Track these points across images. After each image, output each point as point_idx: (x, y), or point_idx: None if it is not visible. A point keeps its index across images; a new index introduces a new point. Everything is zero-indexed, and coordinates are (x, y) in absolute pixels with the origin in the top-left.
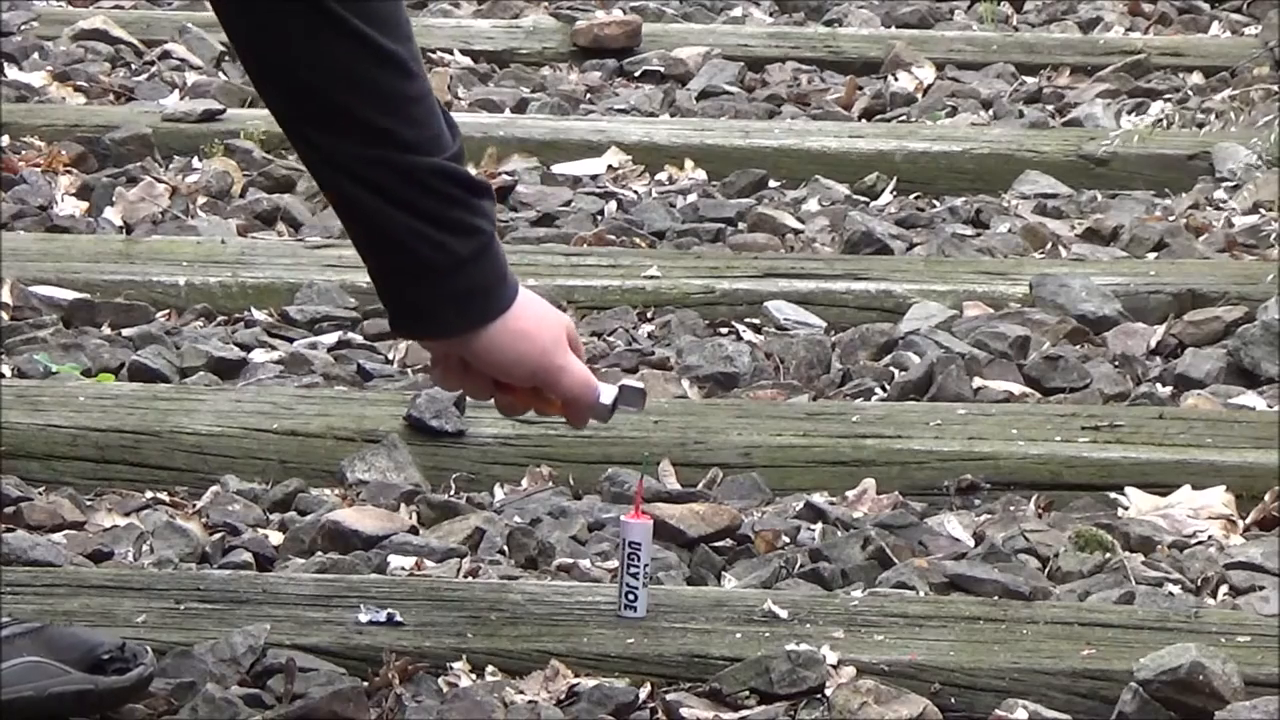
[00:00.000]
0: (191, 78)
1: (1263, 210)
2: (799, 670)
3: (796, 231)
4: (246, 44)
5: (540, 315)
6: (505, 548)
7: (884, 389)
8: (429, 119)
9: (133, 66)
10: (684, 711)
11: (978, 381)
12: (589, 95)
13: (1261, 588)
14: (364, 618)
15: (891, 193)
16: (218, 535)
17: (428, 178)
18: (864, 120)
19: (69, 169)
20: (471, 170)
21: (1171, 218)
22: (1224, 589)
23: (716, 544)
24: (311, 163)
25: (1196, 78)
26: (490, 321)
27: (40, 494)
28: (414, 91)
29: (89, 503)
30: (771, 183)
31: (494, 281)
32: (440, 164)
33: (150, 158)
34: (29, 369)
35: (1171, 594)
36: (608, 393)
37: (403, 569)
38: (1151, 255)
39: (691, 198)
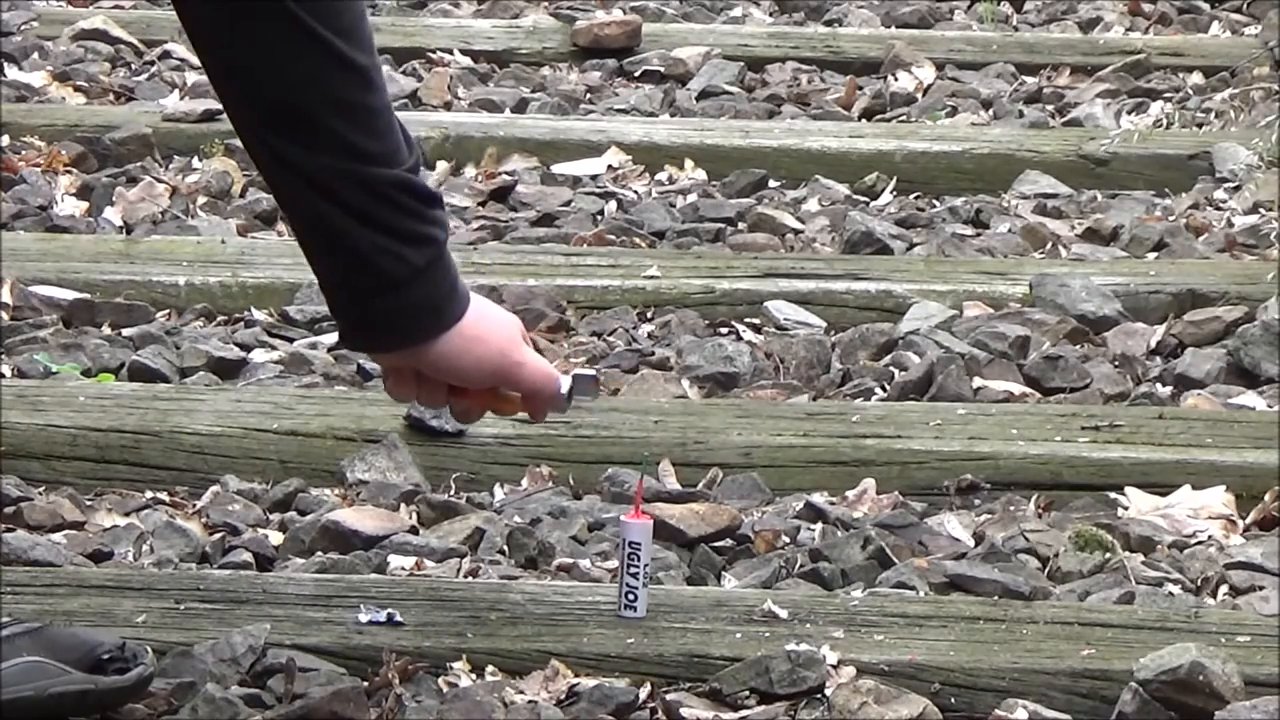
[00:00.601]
0: (191, 78)
1: (1263, 210)
2: (799, 670)
3: (796, 231)
4: (212, 48)
5: (492, 318)
6: (505, 548)
7: (884, 389)
8: (389, 132)
9: (133, 66)
10: (684, 711)
11: (978, 381)
12: (589, 95)
13: (1261, 588)
14: (364, 618)
15: (891, 193)
16: (218, 535)
17: (388, 190)
18: (864, 120)
19: (69, 169)
20: (427, 180)
21: (1171, 218)
22: (1224, 589)
23: (716, 544)
24: (272, 173)
25: (1196, 78)
26: (447, 329)
27: (40, 494)
28: (376, 103)
29: (89, 503)
30: (771, 183)
31: (448, 289)
32: (400, 176)
33: (150, 158)
34: (29, 369)
35: (1171, 594)
36: (563, 383)
37: (403, 569)
38: (1151, 255)
39: (691, 198)
